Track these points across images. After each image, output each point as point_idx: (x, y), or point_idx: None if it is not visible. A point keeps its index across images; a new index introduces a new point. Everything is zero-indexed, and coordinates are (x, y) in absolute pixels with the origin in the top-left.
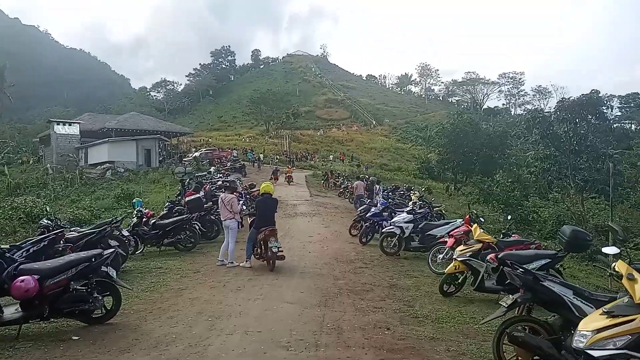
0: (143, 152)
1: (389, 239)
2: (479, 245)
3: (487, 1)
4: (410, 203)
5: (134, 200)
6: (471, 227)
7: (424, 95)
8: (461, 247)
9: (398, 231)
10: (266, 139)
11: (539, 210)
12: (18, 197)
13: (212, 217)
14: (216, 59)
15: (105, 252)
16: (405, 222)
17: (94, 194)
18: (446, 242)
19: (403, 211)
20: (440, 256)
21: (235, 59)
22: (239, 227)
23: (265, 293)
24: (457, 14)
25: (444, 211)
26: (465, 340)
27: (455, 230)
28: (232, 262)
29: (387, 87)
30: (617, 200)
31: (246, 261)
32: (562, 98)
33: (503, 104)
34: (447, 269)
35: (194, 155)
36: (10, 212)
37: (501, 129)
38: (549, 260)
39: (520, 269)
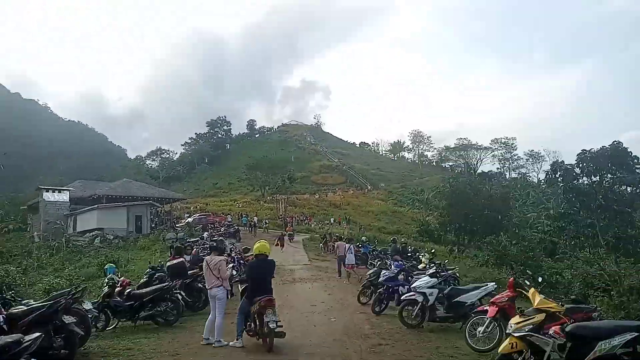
0: (134, 218)
1: (409, 307)
2: (541, 317)
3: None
4: (420, 266)
5: (105, 267)
6: (516, 292)
7: (417, 161)
8: (517, 319)
9: (421, 298)
10: (261, 203)
11: (562, 272)
12: None
13: (200, 284)
14: (212, 128)
15: (25, 338)
16: (429, 287)
17: (79, 262)
18: (485, 311)
19: (421, 273)
20: (481, 329)
21: (231, 129)
22: (228, 297)
23: None
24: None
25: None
26: None
27: (498, 297)
28: (219, 341)
29: (381, 153)
30: None
31: (237, 339)
32: (583, 150)
33: (497, 168)
34: (501, 348)
35: (186, 221)
36: None
37: (502, 190)
38: (636, 333)
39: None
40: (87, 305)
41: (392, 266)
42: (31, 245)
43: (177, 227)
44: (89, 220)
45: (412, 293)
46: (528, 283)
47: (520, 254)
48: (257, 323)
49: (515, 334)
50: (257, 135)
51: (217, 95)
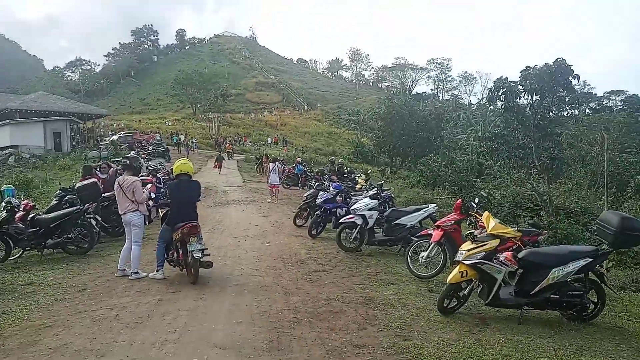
0: (52, 135)
1: (348, 230)
2: (495, 243)
3: None
4: (357, 187)
5: (2, 188)
6: (464, 214)
7: (354, 80)
8: (468, 245)
9: (360, 221)
10: (193, 122)
11: (492, 192)
12: None
13: None
14: (137, 38)
15: None
16: (369, 210)
17: None
18: (428, 235)
19: (358, 195)
20: (424, 254)
21: (158, 39)
22: (145, 223)
23: (182, 329)
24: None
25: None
26: None
27: (444, 220)
28: (136, 272)
29: (318, 71)
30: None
31: (157, 270)
32: (526, 67)
33: (432, 90)
34: (450, 276)
35: (111, 139)
36: None
37: (436, 111)
38: (590, 259)
39: None
40: None
41: (331, 187)
42: None
43: (101, 145)
44: (1, 137)
45: (351, 215)
46: (475, 205)
47: (453, 174)
48: (180, 252)
49: (466, 262)
50: (187, 47)
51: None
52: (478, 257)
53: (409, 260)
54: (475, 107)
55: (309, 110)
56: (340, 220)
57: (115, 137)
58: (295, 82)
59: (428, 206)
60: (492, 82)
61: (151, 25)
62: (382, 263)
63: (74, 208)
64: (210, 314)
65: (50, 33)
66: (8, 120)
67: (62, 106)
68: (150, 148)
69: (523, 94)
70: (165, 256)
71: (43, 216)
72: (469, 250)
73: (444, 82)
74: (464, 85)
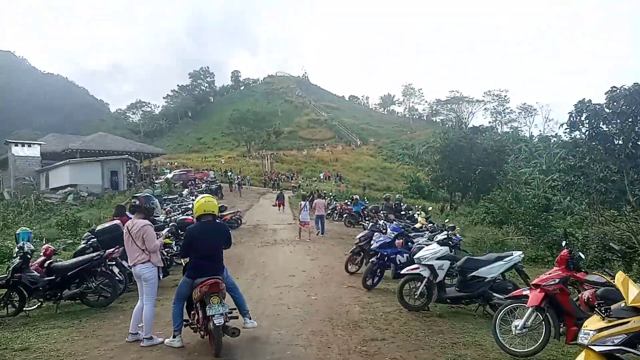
0: (109, 174)
1: (412, 284)
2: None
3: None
4: (417, 225)
5: (17, 232)
6: (572, 270)
7: (407, 115)
8: (596, 322)
9: (427, 273)
10: (247, 159)
11: (575, 233)
12: None
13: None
14: (194, 80)
15: None
16: (438, 259)
17: (48, 220)
18: (523, 296)
19: (419, 236)
20: (518, 323)
21: (214, 80)
22: (160, 277)
23: None
24: (439, 34)
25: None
26: None
27: (544, 278)
28: (150, 338)
29: (370, 107)
30: None
31: (174, 336)
32: (612, 87)
33: (489, 122)
34: None
35: (165, 177)
36: None
37: (497, 144)
38: None
39: None
40: None
41: (388, 229)
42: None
43: (156, 183)
44: (61, 177)
45: (415, 266)
46: (582, 257)
47: (526, 211)
48: (200, 314)
49: (597, 348)
50: (242, 88)
51: (200, 45)
52: (616, 341)
53: (498, 331)
54: (537, 139)
55: (361, 145)
56: (402, 272)
57: (169, 175)
58: (347, 119)
59: (512, 254)
60: (552, 113)
61: (207, 67)
62: (457, 328)
63: (94, 254)
64: None
65: (116, 78)
66: (68, 160)
67: (120, 146)
68: (204, 185)
69: (611, 118)
70: (183, 319)
71: (59, 263)
72: (599, 330)
73: (502, 115)
74: (524, 117)
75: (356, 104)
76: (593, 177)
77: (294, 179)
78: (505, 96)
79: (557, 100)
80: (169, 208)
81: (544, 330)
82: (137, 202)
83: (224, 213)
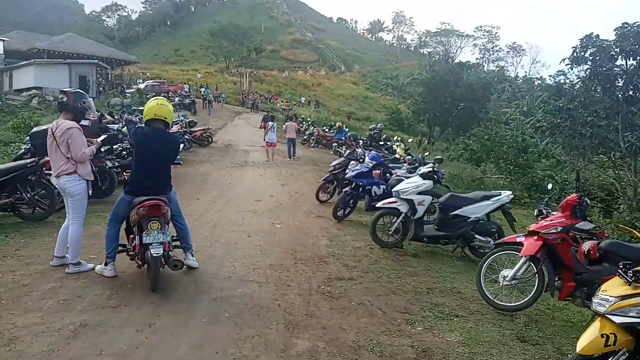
0: (77, 79)
1: (387, 219)
2: None
3: None
4: (396, 156)
5: None
6: (577, 218)
7: (395, 44)
8: (620, 286)
9: (405, 208)
10: (225, 75)
11: (556, 176)
12: None
13: (108, 162)
14: None
15: None
16: (419, 194)
17: (7, 124)
18: (516, 243)
19: (397, 167)
20: (508, 273)
21: None
22: (89, 192)
23: None
24: None
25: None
26: None
27: (546, 224)
28: (77, 263)
29: (358, 32)
30: None
31: (105, 263)
32: (624, 24)
33: (477, 59)
34: (584, 342)
35: (137, 87)
36: None
37: (484, 81)
38: None
39: None
40: None
41: (366, 157)
42: None
43: (127, 92)
44: (26, 78)
45: (393, 199)
46: (589, 203)
47: (510, 150)
48: (137, 240)
49: (616, 319)
50: None
51: None
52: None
53: (482, 280)
54: (521, 80)
55: (345, 71)
56: (377, 204)
57: (142, 85)
58: (333, 42)
59: (500, 193)
60: (540, 55)
61: None
62: (433, 271)
63: (29, 160)
64: (165, 350)
65: None
66: (33, 60)
67: (91, 50)
68: (177, 99)
69: (617, 56)
70: (117, 244)
71: None
72: (622, 297)
73: (491, 52)
74: (511, 57)
75: (343, 28)
76: (579, 120)
77: (271, 101)
78: (496, 33)
79: (547, 42)
80: (137, 120)
81: (536, 284)
82: (65, 99)
83: (194, 129)
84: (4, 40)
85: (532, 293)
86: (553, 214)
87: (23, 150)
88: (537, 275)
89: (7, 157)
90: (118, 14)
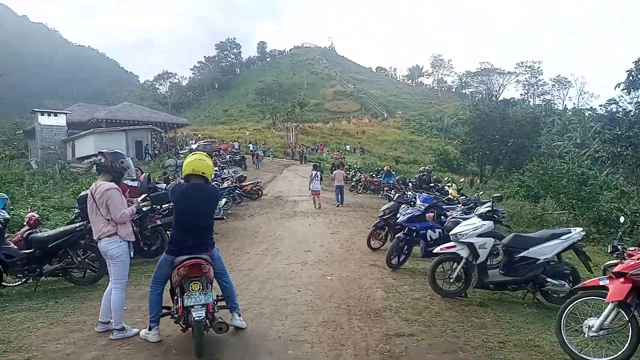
0: (133, 144)
1: (446, 265)
2: None
3: None
4: (448, 198)
5: None
6: None
7: (436, 87)
8: None
9: (466, 252)
10: (272, 131)
11: (625, 208)
12: None
13: (158, 220)
14: (221, 51)
15: None
16: (479, 235)
17: (69, 190)
18: (600, 287)
19: (452, 209)
20: (594, 322)
21: (241, 52)
22: (131, 254)
23: None
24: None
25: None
26: None
27: (633, 264)
28: (121, 329)
29: (398, 79)
30: None
31: (149, 328)
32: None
33: (521, 95)
34: None
35: (190, 147)
36: None
37: (531, 115)
38: None
39: None
40: None
41: (417, 200)
42: (25, 173)
43: (180, 153)
44: (87, 146)
45: (451, 244)
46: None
47: (570, 184)
48: (180, 302)
49: None
50: (268, 59)
51: (227, 17)
52: None
53: (563, 331)
54: (570, 112)
55: (387, 117)
56: (434, 250)
57: (194, 146)
58: (374, 90)
59: (570, 230)
60: (587, 86)
61: (234, 39)
62: (503, 321)
63: (77, 224)
64: None
65: (145, 51)
66: (93, 130)
67: (146, 116)
68: (228, 156)
69: None
70: (161, 308)
71: (39, 234)
72: None
73: (535, 87)
74: (557, 90)
75: (383, 76)
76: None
77: (317, 151)
78: (538, 68)
79: (592, 74)
80: (145, 174)
81: (630, 333)
82: (102, 160)
83: (244, 183)
84: (67, 113)
85: (627, 345)
86: (631, 250)
87: (74, 215)
88: (629, 323)
89: (67, 222)
90: (169, 82)
